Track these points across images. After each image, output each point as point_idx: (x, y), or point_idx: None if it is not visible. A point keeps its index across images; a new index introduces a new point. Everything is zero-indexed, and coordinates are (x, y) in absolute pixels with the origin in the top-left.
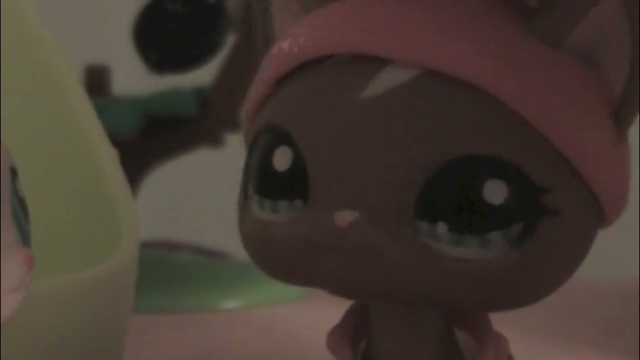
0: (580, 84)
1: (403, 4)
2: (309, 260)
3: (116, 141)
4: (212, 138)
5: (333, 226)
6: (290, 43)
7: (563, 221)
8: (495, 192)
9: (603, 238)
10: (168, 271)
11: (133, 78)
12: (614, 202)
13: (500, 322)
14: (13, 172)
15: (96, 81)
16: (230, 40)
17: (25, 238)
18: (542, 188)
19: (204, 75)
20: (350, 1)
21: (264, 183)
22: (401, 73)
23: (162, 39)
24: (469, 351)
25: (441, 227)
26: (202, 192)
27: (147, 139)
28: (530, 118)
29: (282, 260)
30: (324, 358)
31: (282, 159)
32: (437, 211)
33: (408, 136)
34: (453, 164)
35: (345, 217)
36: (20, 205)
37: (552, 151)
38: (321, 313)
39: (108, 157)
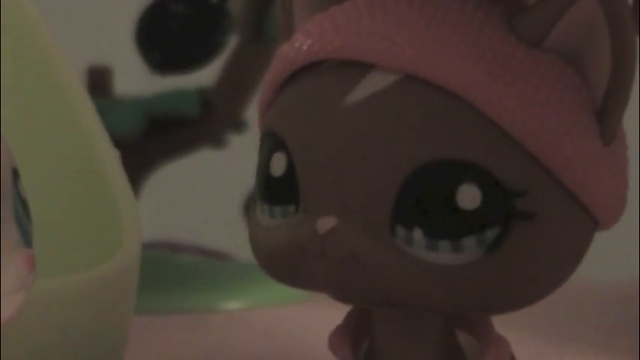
0: (558, 85)
1: (390, 10)
2: (299, 265)
3: (118, 142)
4: (214, 139)
5: (315, 233)
6: (288, 48)
7: (539, 225)
8: (469, 197)
9: (603, 238)
10: (169, 272)
11: (135, 79)
12: (605, 205)
13: (502, 322)
14: (15, 173)
15: (98, 82)
16: (232, 41)
17: (26, 239)
18: (515, 192)
19: (206, 76)
20: (343, 7)
21: (263, 189)
22: (382, 78)
23: (165, 40)
24: (471, 352)
25: (417, 233)
26: (204, 193)
27: (149, 140)
28: (502, 122)
29: (279, 264)
30: (326, 359)
31: (277, 165)
32: (412, 216)
33: (385, 141)
34: (425, 169)
35: (326, 223)
36: (22, 206)
37: (526, 154)
38: (322, 314)
39: (110, 158)
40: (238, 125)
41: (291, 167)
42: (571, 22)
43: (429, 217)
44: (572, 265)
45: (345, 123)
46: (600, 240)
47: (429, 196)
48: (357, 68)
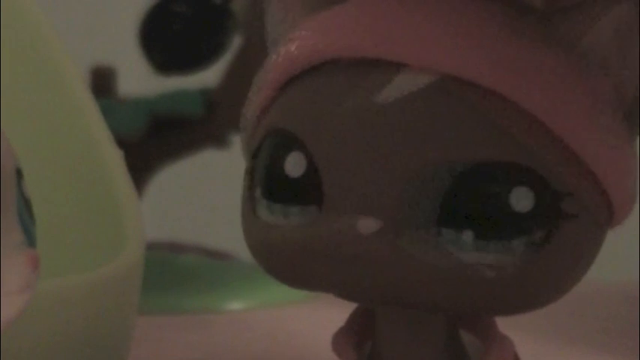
0: (592, 88)
1: (410, 8)
2: (322, 267)
3: (122, 142)
4: (218, 139)
5: (354, 235)
6: (298, 45)
7: (578, 225)
8: (522, 199)
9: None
10: (172, 273)
11: (138, 79)
12: (624, 204)
13: (502, 322)
14: (19, 173)
15: (101, 82)
16: (236, 42)
17: (30, 239)
18: (562, 193)
19: (209, 76)
20: (356, 4)
21: (274, 188)
22: (418, 78)
23: (168, 40)
24: (475, 352)
25: (467, 235)
26: (208, 193)
27: (152, 141)
28: (549, 123)
29: (291, 264)
30: (328, 359)
31: (294, 165)
32: (463, 218)
33: (429, 141)
34: (476, 171)
35: (369, 225)
36: (26, 206)
37: (569, 154)
38: (325, 314)
39: (113, 159)
40: None
41: (311, 167)
42: (606, 27)
43: (482, 219)
44: (593, 261)
45: (380, 122)
46: None
47: (482, 199)
48: (383, 66)
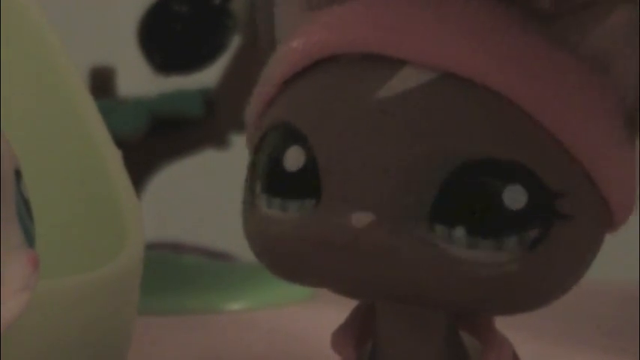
0: (593, 89)
1: (415, 5)
2: (319, 260)
3: (121, 142)
4: (217, 139)
5: (348, 228)
6: (304, 41)
7: (574, 225)
8: (515, 197)
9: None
10: (173, 273)
11: (138, 79)
12: (622, 206)
13: (503, 323)
14: (18, 174)
15: (101, 82)
16: (235, 42)
17: (30, 240)
18: (556, 193)
19: (209, 76)
20: (361, 1)
21: (273, 182)
22: (419, 74)
23: (168, 40)
24: (474, 354)
25: (459, 231)
26: (207, 193)
27: (152, 141)
28: (546, 123)
29: (290, 259)
30: (329, 359)
31: (293, 159)
32: (455, 214)
33: (425, 137)
34: (470, 167)
35: (362, 219)
36: (25, 207)
37: (566, 155)
38: (326, 314)
39: (113, 159)
40: (241, 126)
41: (310, 161)
42: (608, 29)
43: (474, 215)
44: (591, 263)
45: (379, 118)
46: None
47: (475, 196)
48: (386, 62)
